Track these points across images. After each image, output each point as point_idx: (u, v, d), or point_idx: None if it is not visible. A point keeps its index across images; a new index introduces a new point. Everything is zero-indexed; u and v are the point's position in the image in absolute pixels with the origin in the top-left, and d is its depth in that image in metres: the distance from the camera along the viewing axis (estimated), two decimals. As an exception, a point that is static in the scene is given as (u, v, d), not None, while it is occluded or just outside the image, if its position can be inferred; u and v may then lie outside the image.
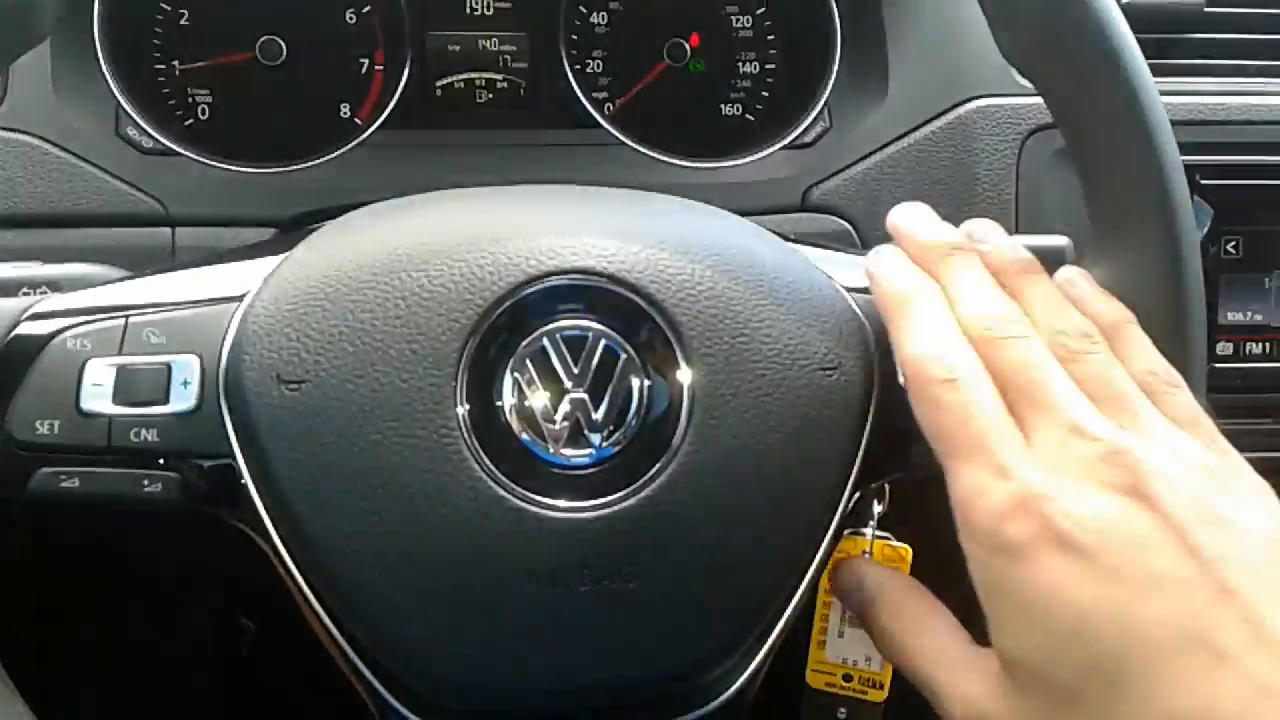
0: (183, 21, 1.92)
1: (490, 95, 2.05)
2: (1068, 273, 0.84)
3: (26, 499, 0.81)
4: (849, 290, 0.91)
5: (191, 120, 1.94)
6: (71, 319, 0.84)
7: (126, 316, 0.84)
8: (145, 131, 1.61)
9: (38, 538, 1.44)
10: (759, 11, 2.18)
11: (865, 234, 1.90)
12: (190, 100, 1.94)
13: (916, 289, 0.81)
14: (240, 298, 0.85)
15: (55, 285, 0.92)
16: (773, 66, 2.15)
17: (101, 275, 0.98)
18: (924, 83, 1.72)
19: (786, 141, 1.98)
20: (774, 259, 0.89)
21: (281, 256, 0.87)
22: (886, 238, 0.93)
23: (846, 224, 1.89)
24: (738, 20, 2.12)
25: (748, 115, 2.17)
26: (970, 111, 1.88)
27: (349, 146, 1.78)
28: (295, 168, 1.65)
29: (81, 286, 0.90)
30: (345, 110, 1.97)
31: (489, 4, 2.05)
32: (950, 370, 0.74)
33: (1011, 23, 0.90)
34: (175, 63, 1.95)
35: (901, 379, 0.82)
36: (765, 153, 1.96)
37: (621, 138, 1.78)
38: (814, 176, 1.91)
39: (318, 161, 1.73)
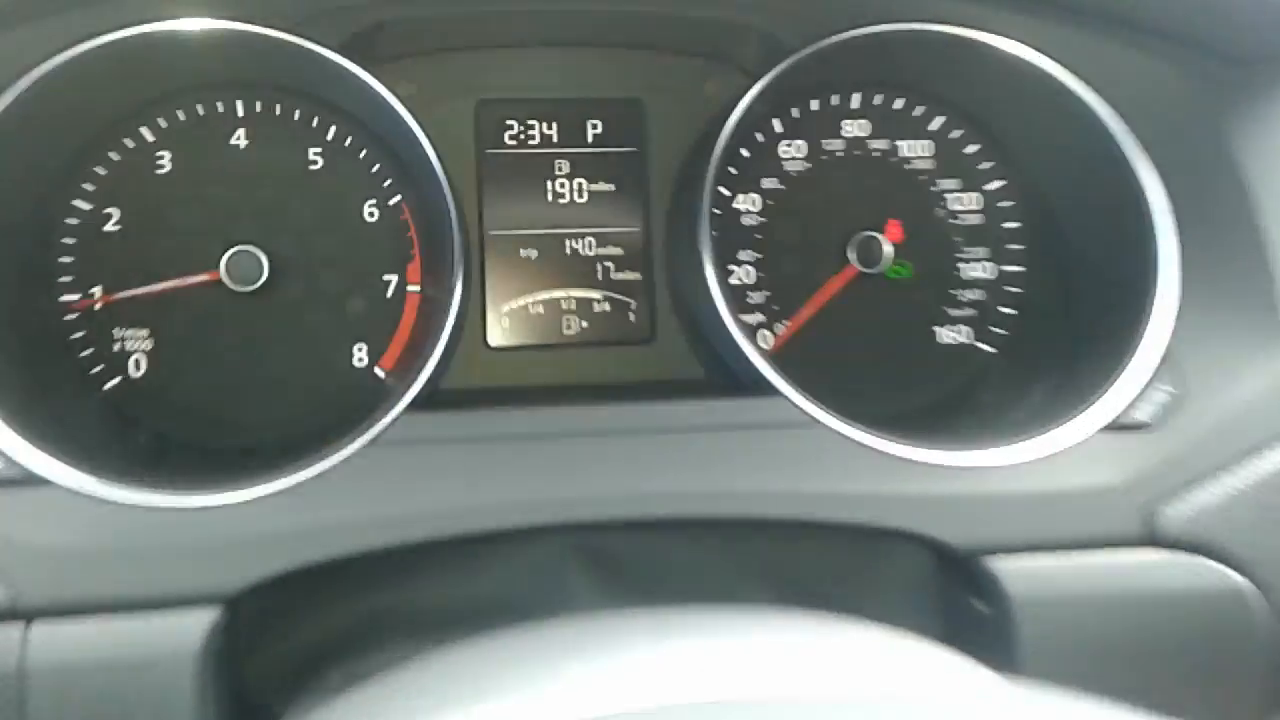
0: (109, 226, 1.34)
1: (583, 325, 1.47)
2: None
3: None
4: None
5: (118, 380, 1.34)
6: None
7: None
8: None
9: None
10: (992, 184, 1.49)
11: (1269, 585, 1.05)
12: (116, 348, 1.35)
13: None
14: None
15: None
16: (1021, 269, 1.47)
17: None
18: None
19: (1089, 415, 1.21)
20: None
21: None
22: None
23: (1231, 571, 1.04)
24: (958, 200, 1.50)
25: (990, 348, 1.50)
26: None
27: (360, 442, 1.15)
28: (275, 487, 1.11)
29: None
30: (360, 355, 1.37)
31: (581, 187, 1.48)
32: None
33: None
34: (94, 291, 1.33)
35: None
36: (1048, 437, 1.21)
37: (791, 395, 1.23)
38: (1162, 488, 1.14)
39: (315, 471, 1.13)
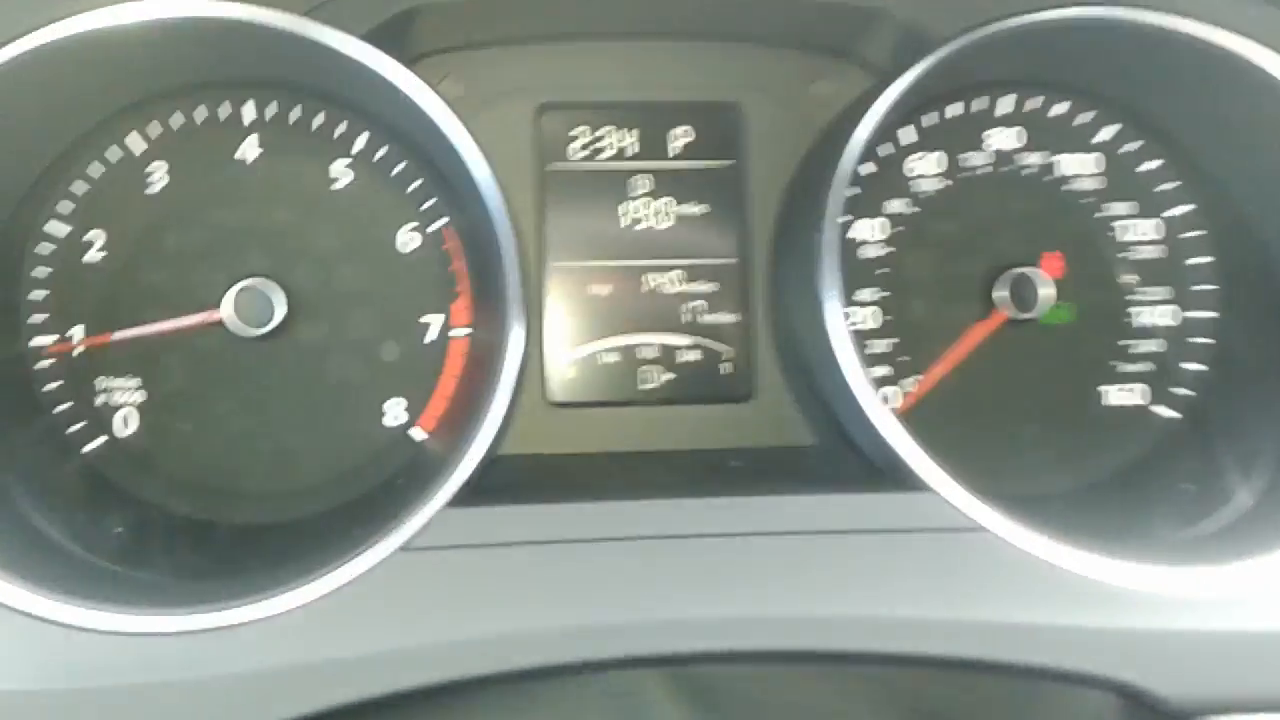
0: (90, 255, 1.13)
1: (666, 378, 1.21)
2: None
3: None
4: None
5: (102, 440, 1.12)
6: None
7: None
8: None
9: None
10: (1176, 209, 1.22)
11: None
12: (99, 402, 1.14)
13: None
14: None
15: None
16: (1212, 315, 1.21)
17: None
18: None
19: None
20: None
21: None
22: None
23: None
24: (1132, 226, 1.23)
25: (1172, 413, 1.23)
26: None
27: (392, 544, 0.91)
28: (283, 604, 0.87)
29: None
30: (395, 413, 1.16)
31: (664, 210, 1.23)
32: None
33: None
34: (73, 333, 1.13)
35: None
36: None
37: (941, 483, 0.96)
38: None
39: (332, 584, 0.89)
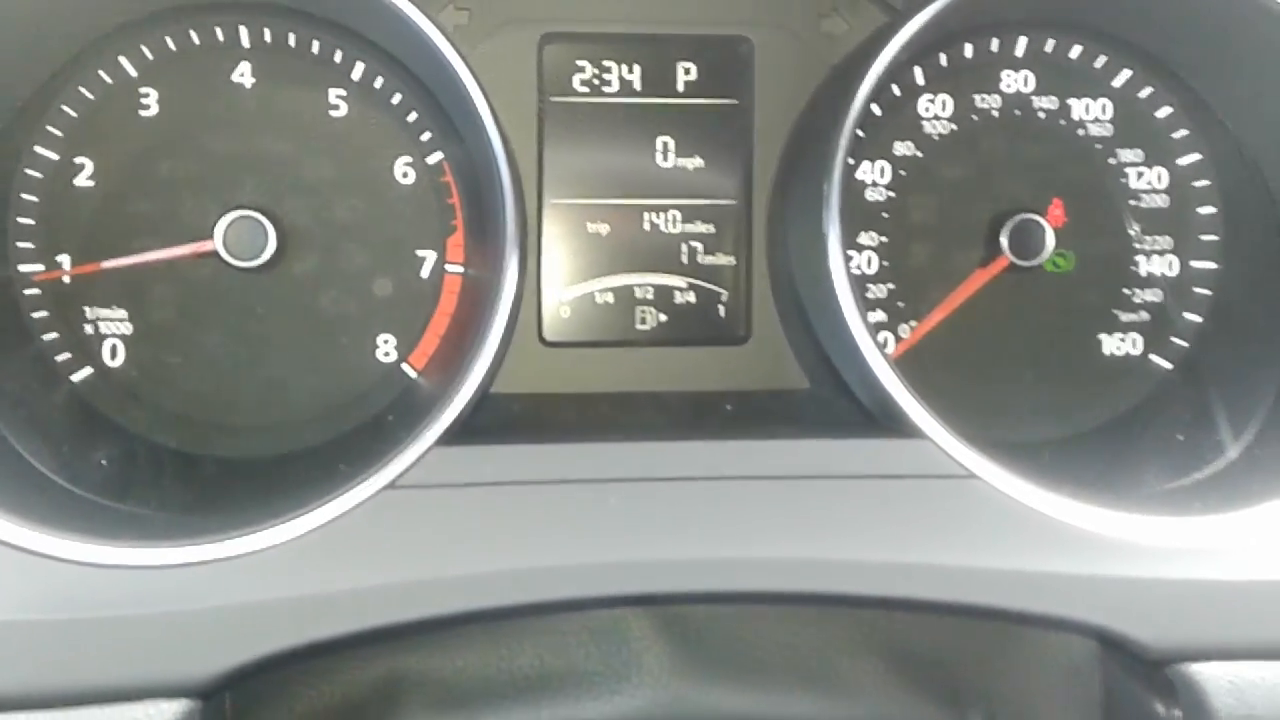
0: (80, 179, 1.10)
1: (662, 319, 1.20)
2: None
3: None
4: None
5: (89, 371, 1.11)
6: None
7: None
8: None
9: None
10: (1186, 158, 1.21)
11: None
12: (88, 331, 1.12)
13: None
14: None
15: None
16: (1212, 265, 1.21)
17: None
18: None
19: None
20: None
21: None
22: None
23: None
24: (1139, 174, 1.20)
25: (1166, 362, 1.22)
26: None
27: (378, 482, 0.90)
28: (268, 539, 0.87)
29: None
30: (386, 349, 1.13)
31: (667, 147, 1.21)
32: None
33: None
34: (61, 260, 1.10)
35: None
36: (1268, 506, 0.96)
37: (934, 430, 0.96)
38: None
39: (319, 519, 0.88)
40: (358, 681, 0.96)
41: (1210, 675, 0.90)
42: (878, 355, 0.98)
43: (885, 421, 0.99)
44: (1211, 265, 1.19)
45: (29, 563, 0.82)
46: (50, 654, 0.81)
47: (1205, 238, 1.19)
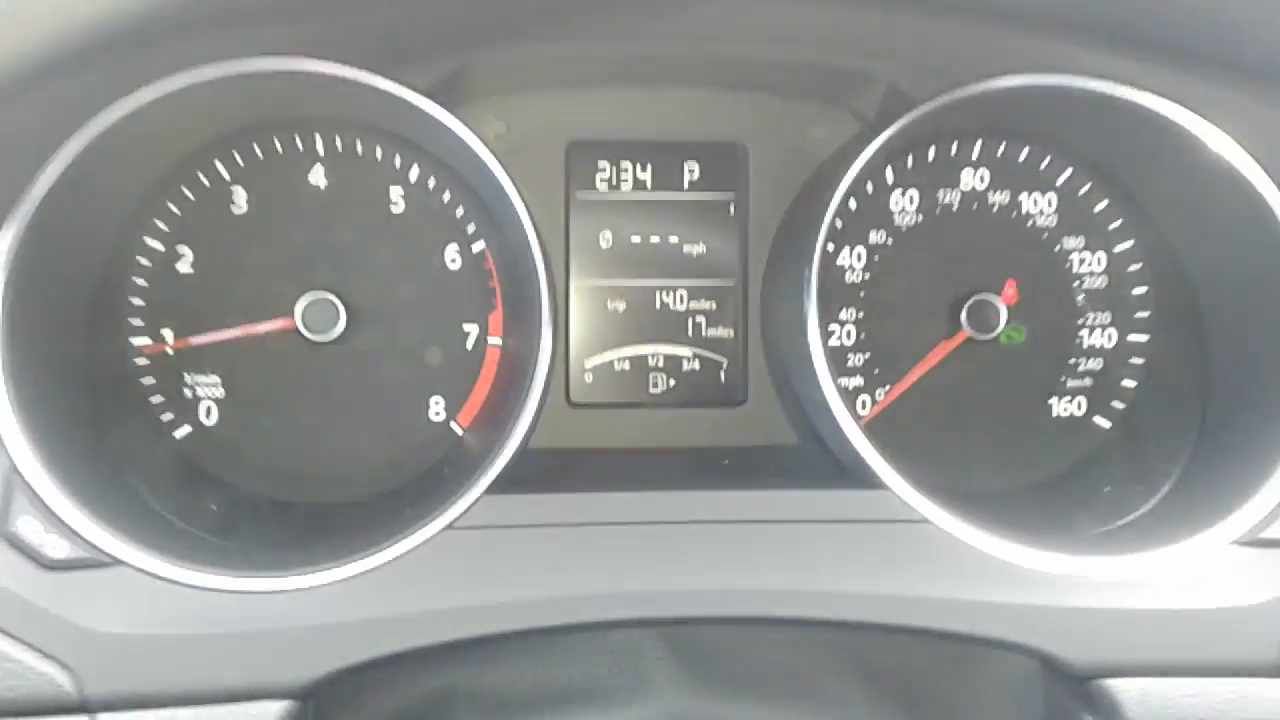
0: (181, 266, 1.28)
1: (671, 384, 1.39)
2: None
3: None
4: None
5: (190, 428, 1.28)
6: None
7: None
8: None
9: None
10: (1121, 245, 1.37)
11: None
12: (188, 394, 1.29)
13: None
14: None
15: None
16: (1145, 337, 1.37)
17: None
18: None
19: (1225, 525, 1.12)
20: None
21: None
22: None
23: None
24: (1082, 259, 1.37)
25: (1107, 422, 1.38)
26: None
27: (440, 524, 1.08)
28: (351, 570, 1.06)
29: None
30: (437, 409, 1.32)
31: (675, 236, 1.40)
32: None
33: None
34: (165, 334, 1.28)
35: None
36: (1178, 547, 1.12)
37: (896, 484, 1.13)
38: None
39: (392, 554, 1.07)
40: (417, 692, 1.14)
41: (1124, 689, 1.07)
42: (849, 419, 1.16)
43: (856, 475, 1.17)
44: (1145, 337, 1.36)
45: (163, 588, 1.01)
46: (180, 661, 0.99)
47: (1139, 314, 1.36)
